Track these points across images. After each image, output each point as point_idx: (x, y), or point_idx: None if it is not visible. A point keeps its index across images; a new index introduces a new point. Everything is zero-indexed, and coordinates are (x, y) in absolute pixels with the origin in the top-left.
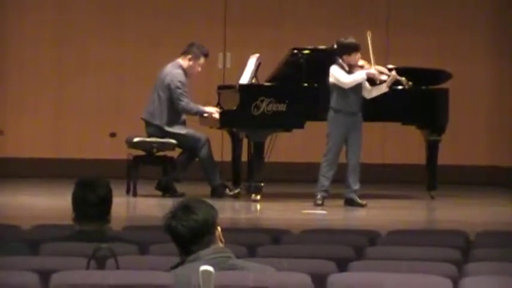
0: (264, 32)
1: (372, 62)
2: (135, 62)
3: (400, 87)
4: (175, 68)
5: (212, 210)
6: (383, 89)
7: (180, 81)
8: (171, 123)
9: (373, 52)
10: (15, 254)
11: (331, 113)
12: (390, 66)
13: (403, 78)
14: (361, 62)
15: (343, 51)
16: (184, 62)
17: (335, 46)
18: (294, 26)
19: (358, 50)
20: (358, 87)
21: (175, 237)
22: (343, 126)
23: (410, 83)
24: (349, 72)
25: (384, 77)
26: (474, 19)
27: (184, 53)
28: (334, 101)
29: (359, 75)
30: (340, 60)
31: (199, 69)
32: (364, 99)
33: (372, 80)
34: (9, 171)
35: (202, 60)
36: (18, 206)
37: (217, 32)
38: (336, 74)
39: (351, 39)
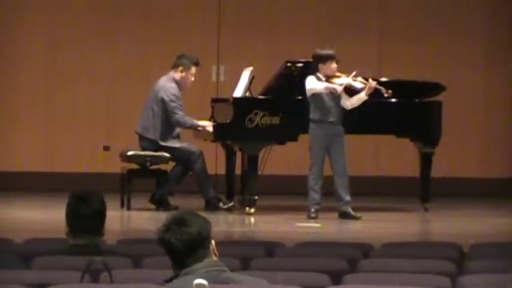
0: (258, 44)
1: (352, 74)
2: (127, 75)
3: (394, 100)
4: (169, 82)
5: (206, 223)
6: (362, 97)
7: (174, 95)
8: (164, 137)
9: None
10: (8, 268)
11: (311, 125)
12: (384, 79)
13: (382, 88)
14: (338, 73)
15: (318, 61)
16: (176, 74)
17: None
18: (288, 38)
19: (333, 59)
20: (335, 97)
21: (169, 250)
22: (323, 137)
23: (390, 91)
24: (328, 82)
25: (357, 84)
26: (466, 28)
27: (175, 66)
28: (311, 111)
29: (319, 85)
30: (318, 73)
31: (192, 78)
32: (359, 112)
33: (349, 90)
34: (1, 185)
35: (193, 69)
36: (11, 220)
37: (210, 45)
38: (306, 82)
39: (327, 50)
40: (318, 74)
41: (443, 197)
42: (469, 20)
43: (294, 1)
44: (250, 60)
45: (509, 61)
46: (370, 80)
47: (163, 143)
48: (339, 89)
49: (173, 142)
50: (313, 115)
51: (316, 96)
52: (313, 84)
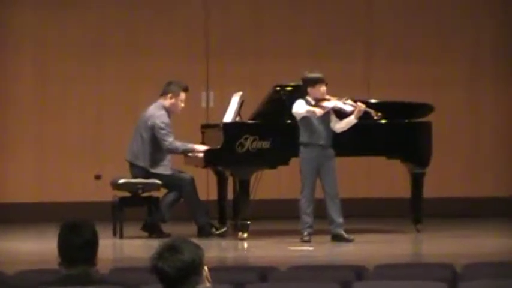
0: (247, 69)
1: (343, 99)
2: (116, 104)
3: (383, 121)
4: (158, 110)
5: (199, 250)
6: (352, 120)
7: (163, 122)
8: (154, 165)
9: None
10: None
11: (300, 149)
12: (373, 100)
13: (372, 110)
14: (327, 96)
15: (307, 84)
16: (165, 101)
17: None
18: (276, 62)
19: (322, 82)
20: (324, 120)
21: (162, 278)
22: (313, 160)
23: (379, 114)
24: (316, 106)
25: (347, 107)
26: (452, 49)
27: (164, 93)
28: (301, 135)
29: (301, 109)
30: (307, 96)
31: (182, 104)
32: (349, 134)
33: (339, 113)
34: None
35: (183, 95)
36: (2, 252)
37: (199, 71)
38: (294, 106)
39: (315, 73)
40: (308, 98)
41: (433, 217)
42: (454, 41)
43: (280, 26)
44: (239, 86)
45: (494, 82)
46: (359, 104)
47: (153, 171)
48: (318, 112)
49: (164, 169)
50: (302, 138)
51: (305, 119)
52: (296, 108)
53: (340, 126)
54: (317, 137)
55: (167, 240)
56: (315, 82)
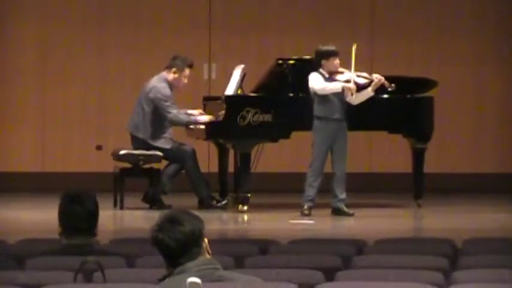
0: (249, 42)
1: (352, 69)
2: (119, 74)
3: (385, 95)
4: (160, 82)
5: (199, 222)
6: (369, 93)
7: (164, 95)
8: (155, 137)
9: (355, 64)
10: (1, 269)
11: (315, 122)
12: (376, 75)
13: (386, 81)
14: (341, 69)
15: (321, 57)
16: (169, 75)
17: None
18: (278, 36)
19: (336, 55)
20: (339, 93)
21: (163, 249)
22: (327, 134)
23: (393, 85)
24: (329, 79)
25: (361, 80)
26: (456, 26)
27: (168, 67)
28: (316, 108)
29: (333, 86)
30: (320, 69)
31: (186, 80)
32: (351, 108)
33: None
34: None
35: (187, 71)
36: (4, 221)
37: (202, 43)
38: (311, 79)
39: (329, 46)
40: (321, 71)
41: (434, 192)
42: (458, 17)
43: (284, 0)
44: (241, 58)
45: (498, 58)
46: (375, 75)
47: (153, 143)
48: (353, 88)
49: (164, 142)
50: (317, 112)
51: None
52: (319, 84)
53: (357, 99)
54: (333, 110)
55: (168, 211)
56: (329, 55)
